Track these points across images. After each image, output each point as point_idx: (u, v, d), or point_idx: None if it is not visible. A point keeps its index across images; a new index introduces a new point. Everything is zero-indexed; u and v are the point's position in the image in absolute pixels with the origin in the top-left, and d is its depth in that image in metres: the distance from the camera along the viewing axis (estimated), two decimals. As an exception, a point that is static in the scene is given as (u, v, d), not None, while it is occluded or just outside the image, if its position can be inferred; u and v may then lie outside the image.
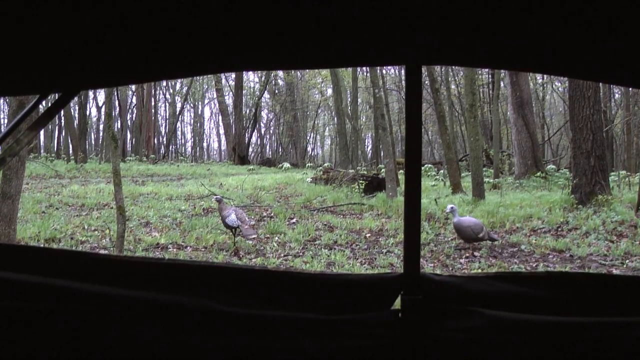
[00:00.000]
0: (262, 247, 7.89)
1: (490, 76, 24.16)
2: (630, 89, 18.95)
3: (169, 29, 1.32)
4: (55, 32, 1.35)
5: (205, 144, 44.10)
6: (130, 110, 33.29)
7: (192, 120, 42.18)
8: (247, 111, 32.88)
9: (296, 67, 1.63)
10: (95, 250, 7.46)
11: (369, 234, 8.68)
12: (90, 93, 30.84)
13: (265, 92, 34.23)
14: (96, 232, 8.52)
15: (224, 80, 33.15)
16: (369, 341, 1.41)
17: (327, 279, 1.50)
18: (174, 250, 7.67)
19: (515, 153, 16.55)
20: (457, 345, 1.39)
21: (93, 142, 35.74)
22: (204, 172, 20.15)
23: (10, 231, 5.96)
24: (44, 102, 4.60)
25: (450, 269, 6.88)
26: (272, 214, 10.20)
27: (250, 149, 33.44)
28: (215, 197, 9.05)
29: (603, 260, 7.05)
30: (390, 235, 8.50)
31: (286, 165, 23.03)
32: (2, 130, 10.41)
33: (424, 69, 11.55)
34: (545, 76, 25.63)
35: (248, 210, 10.40)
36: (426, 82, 15.05)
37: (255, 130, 35.14)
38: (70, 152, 25.72)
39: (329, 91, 30.81)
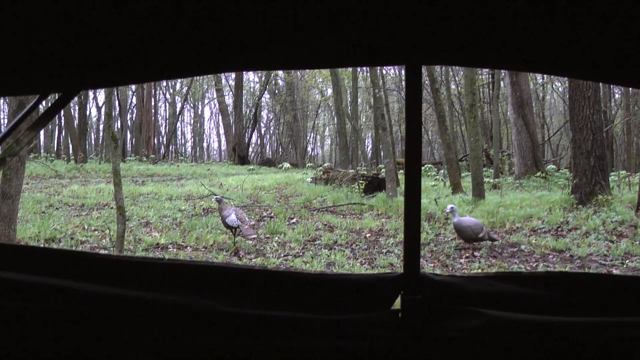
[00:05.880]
0: (262, 247, 7.89)
1: (490, 76, 24.14)
2: (630, 89, 18.95)
3: (169, 29, 1.32)
4: (55, 32, 1.35)
5: (205, 144, 44.16)
6: (130, 110, 33.29)
7: (192, 120, 42.24)
8: (247, 111, 32.90)
9: (296, 67, 1.62)
10: (95, 250, 7.45)
11: (369, 234, 8.67)
12: (90, 93, 30.88)
13: (265, 92, 34.25)
14: (96, 232, 8.52)
15: (224, 80, 33.18)
16: (369, 341, 1.41)
17: (327, 279, 1.49)
18: (174, 250, 7.67)
19: (515, 153, 16.55)
20: (457, 345, 1.39)
21: (93, 142, 35.76)
22: (204, 172, 20.14)
23: (10, 231, 5.97)
24: (44, 102, 4.61)
25: (450, 269, 6.88)
26: (272, 214, 10.20)
27: (250, 149, 33.45)
28: (215, 197, 9.05)
29: (603, 260, 7.04)
30: (390, 235, 8.50)
31: (286, 165, 23.03)
32: (2, 130, 10.41)
33: (424, 69, 11.55)
34: (545, 76, 25.64)
35: (248, 210, 10.40)
36: (426, 82, 15.05)
37: (255, 130, 35.15)
38: (70, 152, 25.72)
39: (329, 91, 30.81)
